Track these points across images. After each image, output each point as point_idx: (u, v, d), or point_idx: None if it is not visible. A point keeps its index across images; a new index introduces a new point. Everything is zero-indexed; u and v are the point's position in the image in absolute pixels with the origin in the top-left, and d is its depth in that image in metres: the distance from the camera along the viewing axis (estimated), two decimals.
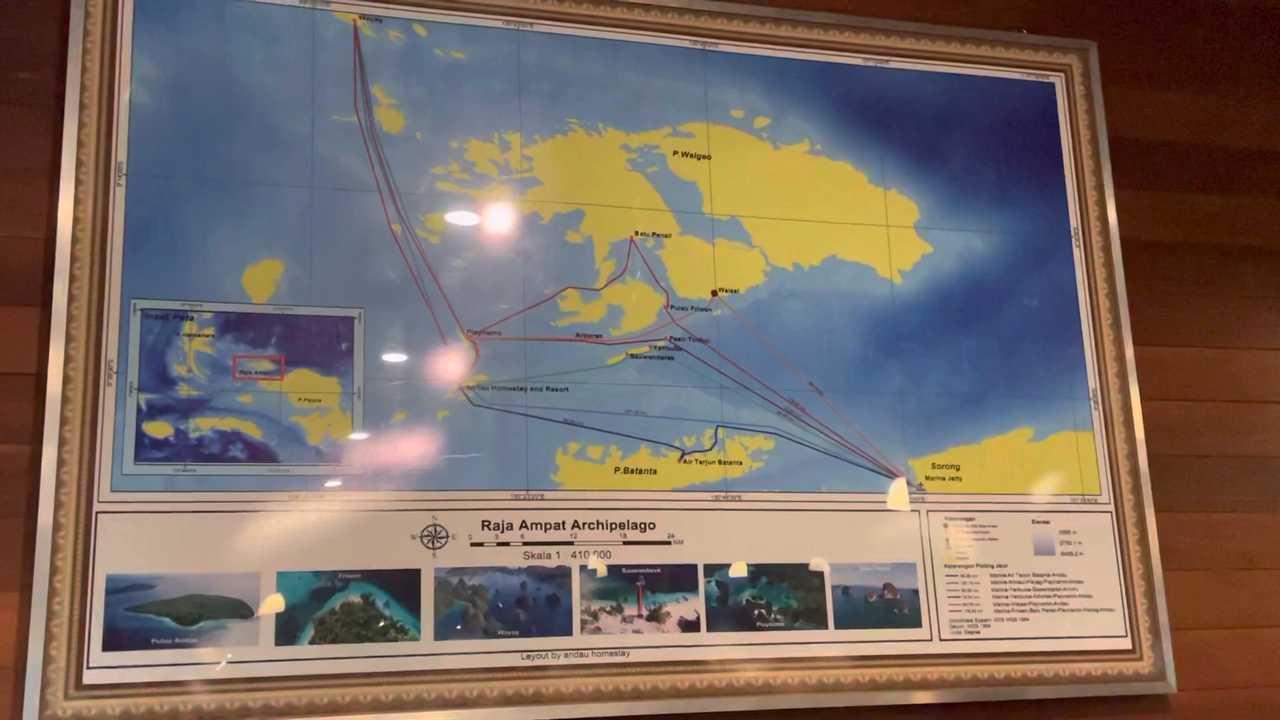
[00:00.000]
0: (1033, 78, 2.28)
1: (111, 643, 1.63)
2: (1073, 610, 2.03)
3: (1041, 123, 2.26)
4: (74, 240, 1.73)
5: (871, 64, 2.18)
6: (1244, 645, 2.13)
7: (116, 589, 1.65)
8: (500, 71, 1.98)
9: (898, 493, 2.00)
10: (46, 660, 1.60)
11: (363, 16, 1.93)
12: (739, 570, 1.88)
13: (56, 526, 1.64)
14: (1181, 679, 2.05)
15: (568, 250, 1.95)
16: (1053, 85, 2.29)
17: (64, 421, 1.68)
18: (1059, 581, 2.04)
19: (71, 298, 1.71)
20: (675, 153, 2.04)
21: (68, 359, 1.69)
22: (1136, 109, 2.34)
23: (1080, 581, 2.05)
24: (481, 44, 1.98)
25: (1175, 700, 2.05)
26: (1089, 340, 2.17)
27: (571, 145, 1.99)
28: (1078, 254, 2.21)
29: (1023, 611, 2.01)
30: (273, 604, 1.69)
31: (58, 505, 1.65)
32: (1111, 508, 2.10)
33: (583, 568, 1.83)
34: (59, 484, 1.65)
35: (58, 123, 1.77)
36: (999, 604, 2.00)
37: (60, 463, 1.66)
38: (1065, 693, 1.98)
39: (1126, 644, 2.04)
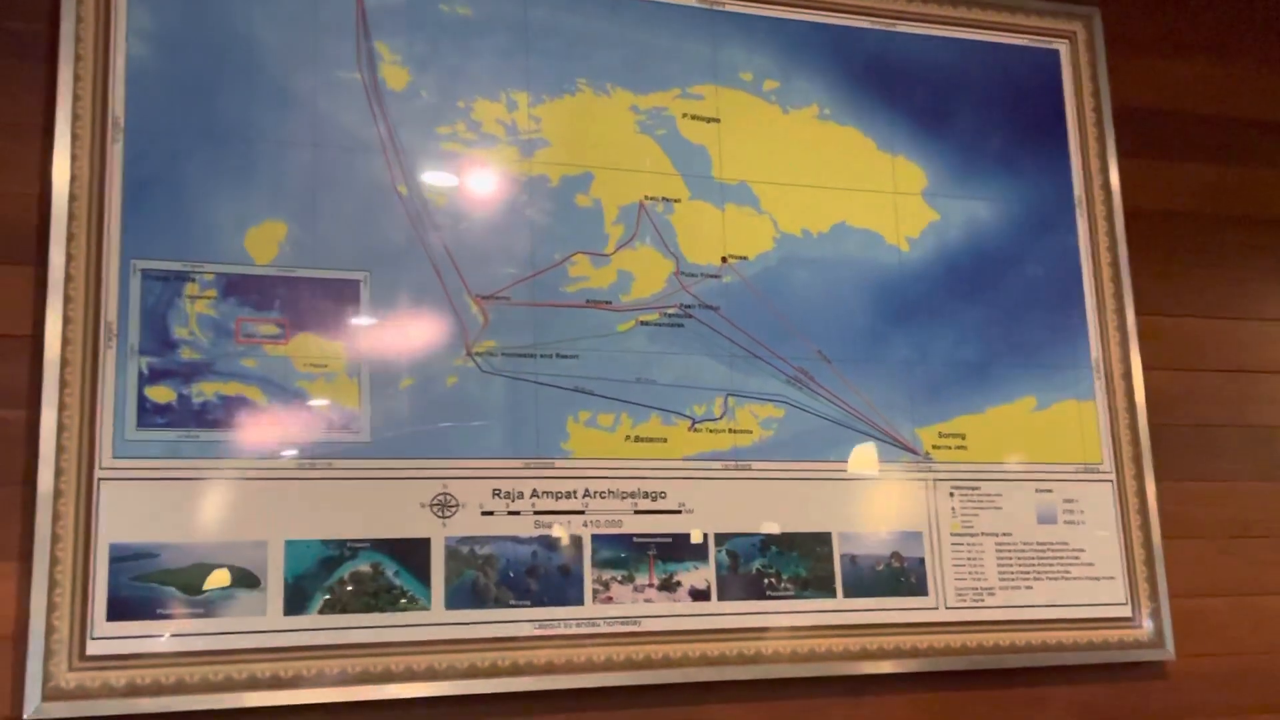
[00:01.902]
0: (1038, 44, 2.26)
1: (116, 612, 1.59)
2: (1075, 579, 2.04)
3: (1046, 89, 2.25)
4: (71, 198, 1.67)
5: (880, 28, 2.15)
6: (1241, 612, 2.15)
7: (120, 557, 1.60)
8: (507, 28, 1.93)
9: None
10: (49, 631, 1.55)
11: None
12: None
13: (57, 493, 1.59)
14: (1180, 646, 2.07)
15: (577, 214, 1.91)
16: (1057, 52, 2.27)
17: (63, 385, 1.62)
18: (1061, 550, 2.05)
19: (69, 257, 1.65)
20: (685, 115, 2.00)
21: (66, 320, 1.64)
22: (1140, 77, 2.33)
23: (1082, 550, 2.06)
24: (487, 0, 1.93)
25: (1173, 666, 2.08)
26: (1092, 309, 2.17)
27: (580, 106, 1.95)
28: (1081, 222, 2.21)
29: (1026, 580, 2.02)
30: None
31: (58, 471, 1.60)
32: (1113, 476, 2.11)
33: (594, 536, 1.81)
34: (59, 449, 1.60)
35: (51, 76, 1.70)
36: (1003, 572, 2.01)
37: (60, 428, 1.61)
38: (1067, 660, 1.99)
39: (1127, 611, 2.05)
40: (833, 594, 1.90)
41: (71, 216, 1.66)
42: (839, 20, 2.12)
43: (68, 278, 1.65)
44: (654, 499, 1.85)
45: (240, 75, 1.78)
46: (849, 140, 2.09)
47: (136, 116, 1.72)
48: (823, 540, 1.92)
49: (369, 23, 1.86)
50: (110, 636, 1.58)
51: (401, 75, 1.87)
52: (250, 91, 1.78)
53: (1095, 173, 2.23)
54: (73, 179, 1.67)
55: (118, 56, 1.73)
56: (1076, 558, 2.05)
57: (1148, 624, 2.06)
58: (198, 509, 1.65)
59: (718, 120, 2.02)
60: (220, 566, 1.64)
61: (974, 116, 2.18)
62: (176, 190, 1.72)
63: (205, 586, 1.63)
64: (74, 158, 1.68)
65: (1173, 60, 2.37)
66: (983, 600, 1.98)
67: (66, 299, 1.64)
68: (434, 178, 1.85)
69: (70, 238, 1.66)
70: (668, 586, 1.82)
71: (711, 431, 1.90)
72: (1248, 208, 2.34)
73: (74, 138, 1.68)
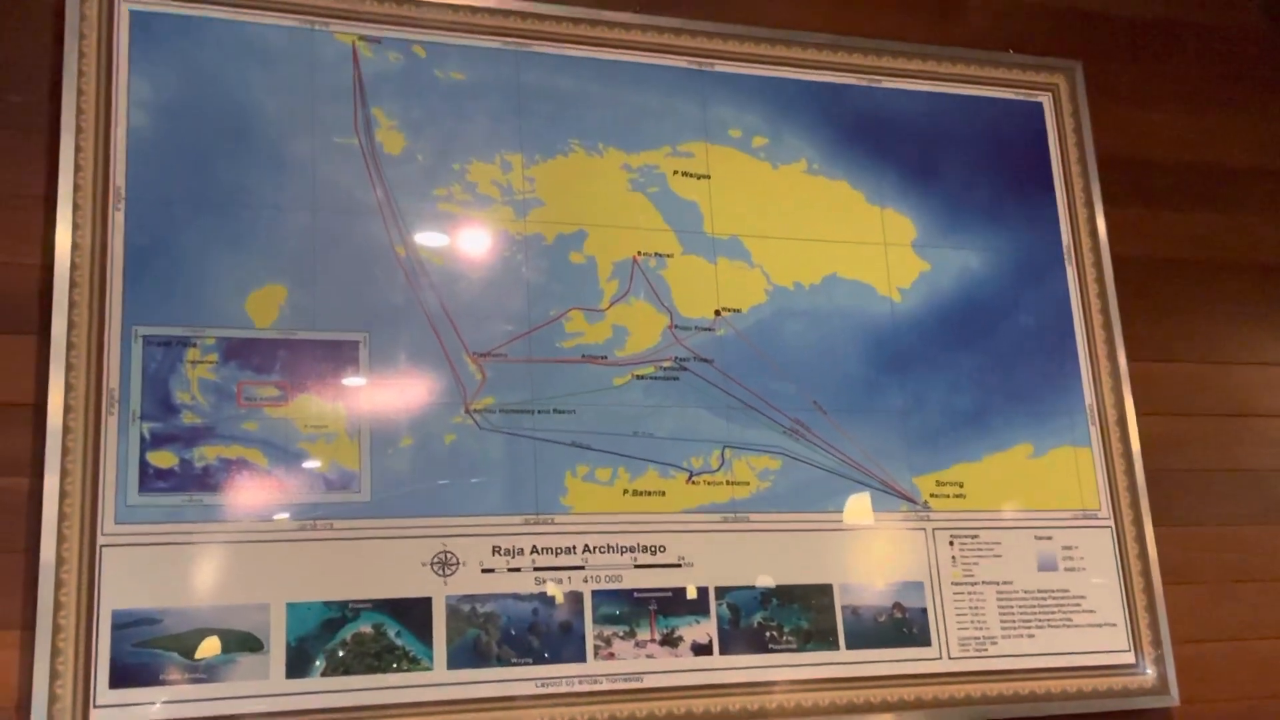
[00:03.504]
0: (1021, 97, 2.30)
1: (119, 679, 1.59)
2: (1077, 626, 2.04)
3: (1031, 141, 2.29)
4: (73, 267, 1.69)
5: (865, 84, 2.19)
6: (1242, 657, 2.15)
7: (123, 624, 1.60)
8: (500, 92, 1.97)
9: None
10: (52, 699, 1.55)
11: (362, 38, 1.91)
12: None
13: (60, 561, 1.59)
14: (1184, 692, 2.06)
15: (571, 271, 1.94)
16: (1040, 104, 2.31)
17: (65, 452, 1.63)
18: (1063, 597, 2.05)
19: (71, 325, 1.67)
20: (675, 172, 2.03)
21: (68, 388, 1.65)
22: (1123, 128, 2.37)
23: (1083, 597, 2.06)
24: (481, 65, 1.97)
25: (1177, 713, 2.07)
26: (1084, 356, 2.19)
27: (573, 166, 1.98)
28: (1070, 271, 2.23)
29: (1028, 628, 2.02)
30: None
31: (60, 539, 1.60)
32: (1111, 523, 2.12)
33: (595, 592, 1.81)
34: (61, 517, 1.61)
35: (53, 147, 1.73)
36: (1005, 621, 2.01)
37: (62, 495, 1.61)
38: (1071, 708, 1.99)
39: (1130, 658, 2.05)
40: (835, 646, 1.90)
41: (73, 285, 1.68)
42: (825, 77, 2.16)
43: (70, 346, 1.66)
44: (653, 553, 1.85)
45: (239, 142, 1.81)
46: (838, 193, 2.12)
47: (137, 185, 1.75)
48: (824, 592, 1.92)
49: (366, 89, 1.90)
50: (113, 704, 1.58)
51: (398, 139, 1.90)
52: (249, 158, 1.81)
53: (1082, 222, 2.26)
54: (74, 248, 1.69)
55: (119, 127, 1.76)
56: (1078, 605, 2.06)
57: (1151, 670, 2.06)
58: (199, 573, 1.65)
59: (708, 177, 2.05)
60: (223, 631, 1.64)
61: (961, 168, 2.21)
62: (177, 257, 1.74)
63: (207, 651, 1.63)
64: (75, 227, 1.70)
65: (1154, 110, 2.41)
66: (985, 650, 1.98)
67: (69, 367, 1.66)
68: (431, 238, 1.88)
69: (72, 306, 1.68)
70: (669, 641, 1.82)
71: (709, 484, 1.91)
72: (1234, 253, 2.37)
73: (75, 207, 1.71)
